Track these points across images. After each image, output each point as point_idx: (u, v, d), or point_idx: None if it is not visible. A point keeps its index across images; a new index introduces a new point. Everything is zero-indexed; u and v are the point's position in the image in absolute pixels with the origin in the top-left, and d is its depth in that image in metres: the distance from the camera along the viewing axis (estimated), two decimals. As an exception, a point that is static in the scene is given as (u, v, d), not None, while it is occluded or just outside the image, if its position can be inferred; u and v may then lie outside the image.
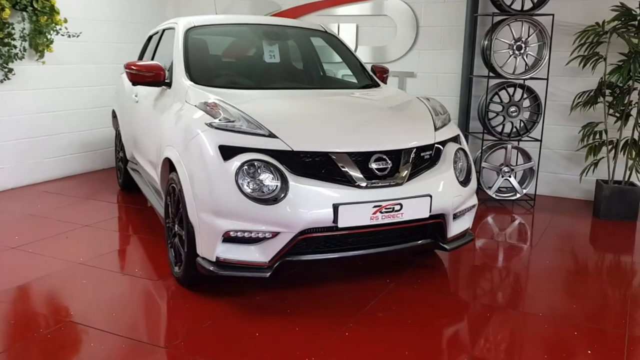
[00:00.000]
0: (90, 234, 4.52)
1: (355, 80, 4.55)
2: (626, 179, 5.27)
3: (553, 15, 5.29)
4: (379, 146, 3.21)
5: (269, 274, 3.11)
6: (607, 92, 5.26)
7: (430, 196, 3.24)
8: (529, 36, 5.42)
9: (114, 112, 5.88)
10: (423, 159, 3.39)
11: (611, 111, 5.28)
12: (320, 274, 3.75)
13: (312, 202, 3.01)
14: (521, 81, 5.47)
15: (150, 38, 5.42)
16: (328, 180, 3.10)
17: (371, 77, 4.48)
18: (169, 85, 4.03)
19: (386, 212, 3.12)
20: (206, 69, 4.19)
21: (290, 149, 3.08)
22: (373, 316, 3.20)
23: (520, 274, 3.94)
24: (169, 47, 4.61)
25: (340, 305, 3.32)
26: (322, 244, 3.19)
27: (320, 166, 3.12)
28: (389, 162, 3.20)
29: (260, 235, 3.05)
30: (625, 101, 5.15)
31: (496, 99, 5.60)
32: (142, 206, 5.34)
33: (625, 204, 5.17)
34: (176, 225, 3.53)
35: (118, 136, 5.83)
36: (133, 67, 4.01)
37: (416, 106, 3.79)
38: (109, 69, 6.65)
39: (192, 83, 3.83)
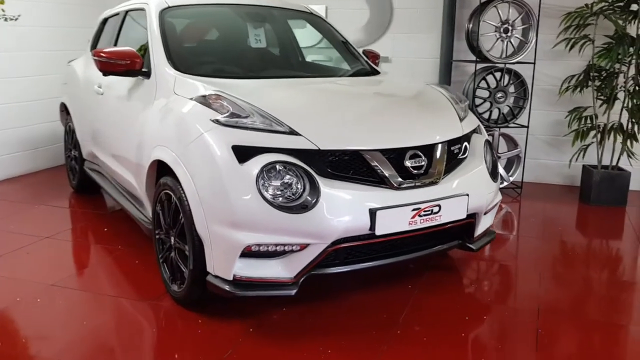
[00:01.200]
0: (55, 248, 3.93)
1: (348, 67, 4.15)
2: (614, 164, 5.17)
3: (540, -4, 5.09)
4: (413, 141, 2.85)
5: (294, 291, 2.70)
6: (596, 75, 5.12)
7: (468, 195, 2.92)
8: (514, 19, 5.20)
9: (63, 105, 5.21)
10: (453, 154, 3.06)
11: (600, 95, 5.15)
12: (334, 284, 3.37)
13: (346, 208, 2.62)
14: (509, 65, 5.24)
15: (105, 21, 4.81)
16: (359, 182, 2.72)
17: (368, 64, 4.10)
18: (146, 75, 3.49)
19: (425, 215, 2.78)
20: (190, 55, 3.69)
21: (316, 148, 2.67)
22: (410, 331, 2.85)
23: (537, 270, 3.68)
24: (137, 31, 4.07)
25: (370, 320, 2.95)
26: (352, 254, 2.82)
27: (350, 166, 2.73)
28: (424, 158, 2.85)
29: (286, 248, 2.64)
30: (614, 84, 5.03)
31: (482, 84, 5.36)
32: (103, 210, 4.77)
33: (615, 189, 5.08)
34: (172, 238, 3.05)
35: (70, 132, 5.18)
36: (102, 54, 3.45)
37: (434, 95, 3.45)
38: (54, 57, 5.95)
39: (177, 72, 3.32)
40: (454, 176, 2.98)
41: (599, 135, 5.16)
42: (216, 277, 2.74)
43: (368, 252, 2.87)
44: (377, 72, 3.99)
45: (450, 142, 3.04)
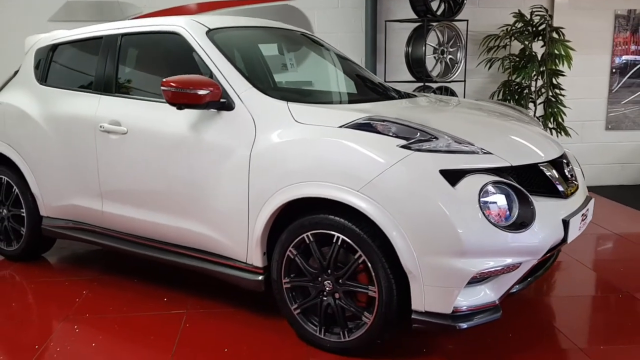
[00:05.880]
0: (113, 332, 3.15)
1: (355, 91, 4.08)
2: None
3: (467, 20, 5.64)
4: (558, 151, 3.03)
5: (500, 313, 2.65)
6: (513, 89, 5.84)
7: (591, 198, 3.19)
8: (448, 42, 5.67)
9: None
10: (562, 161, 3.30)
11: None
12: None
13: (549, 221, 2.67)
14: (446, 84, 5.70)
15: (54, 48, 3.98)
16: (538, 195, 2.78)
17: (394, 89, 4.10)
18: (224, 106, 3.03)
19: (584, 220, 2.96)
20: (270, 81, 3.31)
21: (509, 165, 2.67)
22: (596, 349, 2.96)
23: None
24: (151, 59, 3.54)
25: (541, 342, 2.99)
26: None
27: (531, 179, 2.79)
28: (571, 166, 3.04)
29: (504, 270, 2.58)
30: (531, 96, 5.81)
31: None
32: (87, 274, 3.90)
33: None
34: (331, 282, 2.75)
35: (6, 187, 4.13)
36: (173, 84, 2.93)
37: (509, 110, 3.65)
38: None
39: (281, 100, 2.99)
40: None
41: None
42: (426, 313, 2.56)
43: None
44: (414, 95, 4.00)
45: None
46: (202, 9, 5.96)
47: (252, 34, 3.68)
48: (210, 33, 3.31)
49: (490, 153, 2.66)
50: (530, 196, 2.60)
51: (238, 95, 3.03)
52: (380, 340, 2.70)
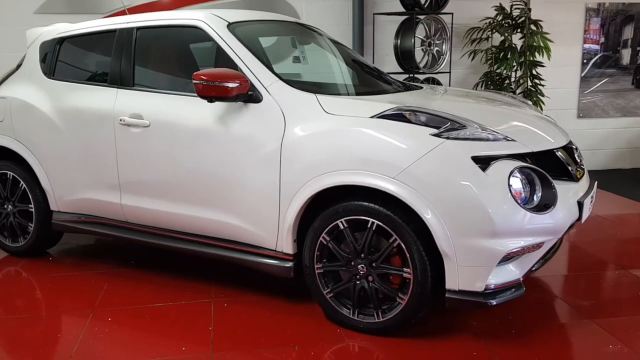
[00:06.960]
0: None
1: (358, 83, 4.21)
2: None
3: (452, 13, 5.84)
4: (568, 137, 3.24)
5: (523, 290, 2.85)
6: (494, 80, 6.09)
7: (595, 181, 3.41)
8: (434, 34, 5.85)
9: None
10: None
11: (500, 96, 6.14)
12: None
13: (569, 203, 2.88)
14: (433, 75, 5.88)
15: (61, 42, 3.96)
16: (556, 178, 2.97)
17: (399, 81, 4.25)
18: (251, 98, 3.12)
19: (592, 201, 3.18)
20: (288, 72, 3.41)
21: (530, 151, 2.86)
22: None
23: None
24: (169, 52, 3.58)
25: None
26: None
27: (548, 165, 2.98)
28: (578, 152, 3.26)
29: (530, 248, 2.77)
30: (511, 87, 6.07)
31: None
32: (106, 267, 3.93)
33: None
34: (364, 266, 2.89)
35: (5, 183, 4.10)
36: (203, 77, 3.00)
37: (510, 99, 3.85)
38: None
39: (308, 92, 3.10)
40: (580, 167, 3.44)
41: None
42: (460, 291, 2.73)
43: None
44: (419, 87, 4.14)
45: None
46: (183, 2, 6.00)
47: (267, 28, 3.77)
48: (231, 27, 3.38)
49: (514, 140, 2.84)
50: (552, 180, 2.80)
51: (265, 88, 3.12)
52: (415, 320, 2.85)
